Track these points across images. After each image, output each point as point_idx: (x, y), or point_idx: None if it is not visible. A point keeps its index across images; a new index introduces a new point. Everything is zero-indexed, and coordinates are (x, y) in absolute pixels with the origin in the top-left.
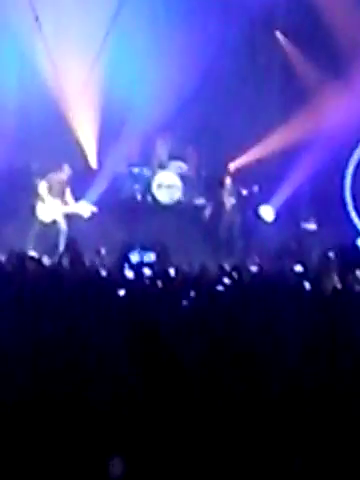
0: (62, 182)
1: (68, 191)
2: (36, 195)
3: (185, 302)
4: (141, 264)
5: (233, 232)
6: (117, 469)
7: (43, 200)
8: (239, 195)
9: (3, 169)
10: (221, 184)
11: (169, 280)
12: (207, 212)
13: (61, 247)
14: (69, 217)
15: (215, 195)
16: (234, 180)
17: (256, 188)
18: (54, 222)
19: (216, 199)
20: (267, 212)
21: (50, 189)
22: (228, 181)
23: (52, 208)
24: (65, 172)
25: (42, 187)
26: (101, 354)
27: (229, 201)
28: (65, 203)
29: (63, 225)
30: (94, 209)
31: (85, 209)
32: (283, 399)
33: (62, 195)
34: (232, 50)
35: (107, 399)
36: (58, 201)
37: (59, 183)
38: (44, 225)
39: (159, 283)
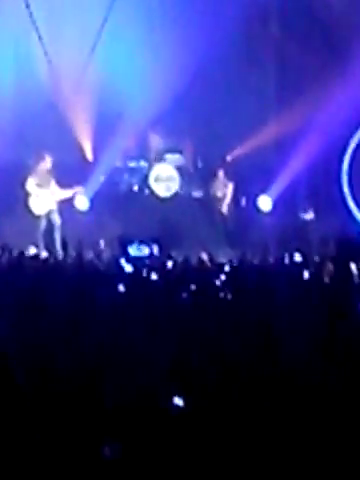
0: (47, 172)
1: (53, 181)
2: (26, 193)
3: (184, 295)
4: (140, 257)
5: (228, 223)
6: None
7: (32, 195)
8: (236, 187)
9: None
10: (214, 175)
11: (167, 273)
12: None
13: (57, 243)
14: (65, 210)
15: (208, 187)
16: (227, 172)
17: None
18: (49, 213)
19: (210, 191)
20: (265, 202)
21: (38, 182)
22: (221, 173)
23: (44, 200)
24: (47, 161)
25: (29, 183)
26: (108, 349)
27: (222, 192)
28: (53, 192)
29: (57, 219)
30: (81, 190)
31: (76, 193)
32: (283, 393)
33: (48, 187)
34: (227, 41)
35: (113, 393)
36: (47, 192)
37: (44, 174)
38: (38, 218)
39: (158, 276)
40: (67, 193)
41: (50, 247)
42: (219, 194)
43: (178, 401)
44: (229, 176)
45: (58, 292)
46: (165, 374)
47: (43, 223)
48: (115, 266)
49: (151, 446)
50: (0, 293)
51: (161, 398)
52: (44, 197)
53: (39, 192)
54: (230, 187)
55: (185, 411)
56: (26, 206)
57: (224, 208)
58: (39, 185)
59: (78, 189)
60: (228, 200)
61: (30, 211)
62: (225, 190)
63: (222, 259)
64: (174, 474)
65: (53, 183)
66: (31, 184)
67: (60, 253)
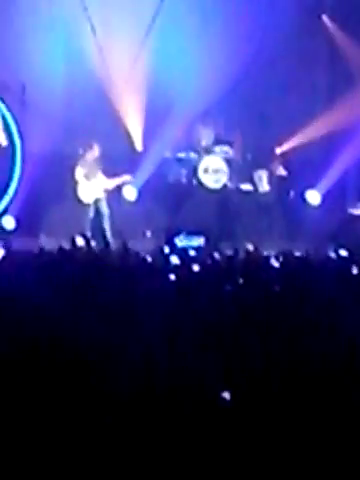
0: (95, 162)
1: (100, 170)
2: (74, 181)
3: (228, 287)
4: (187, 249)
5: (274, 217)
6: None
7: (80, 184)
8: (283, 180)
9: (50, 154)
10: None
11: (214, 265)
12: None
13: (108, 232)
14: (113, 200)
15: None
16: (278, 165)
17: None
18: (96, 202)
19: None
20: (313, 197)
21: (86, 172)
22: (274, 167)
23: (92, 189)
24: (95, 151)
25: (78, 172)
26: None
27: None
28: (101, 181)
29: (105, 208)
30: (129, 178)
31: (125, 180)
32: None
33: (96, 176)
34: (279, 34)
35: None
36: (95, 181)
37: (93, 164)
38: (86, 207)
39: (203, 268)
40: (115, 182)
41: (97, 237)
42: (265, 186)
43: (226, 395)
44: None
45: (107, 285)
46: (213, 369)
47: (91, 212)
48: (161, 257)
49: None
50: (51, 286)
51: (209, 391)
52: (92, 186)
53: (85, 182)
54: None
55: (232, 405)
56: (75, 195)
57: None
58: (87, 174)
59: (126, 178)
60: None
61: (79, 200)
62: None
63: (270, 252)
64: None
65: (100, 173)
66: (79, 173)
67: (111, 242)
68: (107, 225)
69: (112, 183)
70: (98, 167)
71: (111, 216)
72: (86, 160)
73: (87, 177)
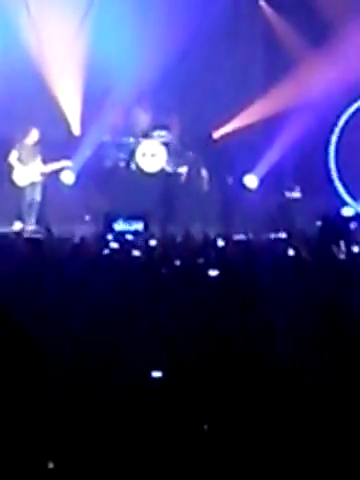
0: (33, 146)
1: (39, 155)
2: (8, 165)
3: (164, 270)
4: (125, 233)
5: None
6: None
7: (15, 168)
8: (222, 165)
9: None
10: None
11: (151, 249)
12: (183, 178)
13: (32, 218)
14: (51, 184)
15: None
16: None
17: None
18: (32, 186)
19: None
20: (251, 181)
21: (22, 155)
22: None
23: (27, 173)
24: (33, 135)
25: (12, 156)
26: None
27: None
28: (39, 166)
29: (38, 194)
30: (68, 164)
31: (64, 165)
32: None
33: (34, 160)
34: (215, 18)
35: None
36: (32, 165)
37: (31, 148)
38: (22, 190)
39: (141, 252)
40: (53, 167)
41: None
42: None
43: (156, 374)
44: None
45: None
46: (148, 349)
47: (27, 196)
48: (101, 242)
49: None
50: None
51: (143, 372)
52: (28, 170)
53: (20, 166)
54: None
55: (166, 385)
56: (10, 179)
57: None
58: (23, 158)
59: (65, 163)
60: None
61: (13, 183)
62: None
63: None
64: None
65: (39, 157)
66: (14, 157)
67: (34, 228)
68: (34, 212)
69: (49, 168)
70: (36, 151)
71: (44, 202)
72: (23, 144)
73: (23, 161)
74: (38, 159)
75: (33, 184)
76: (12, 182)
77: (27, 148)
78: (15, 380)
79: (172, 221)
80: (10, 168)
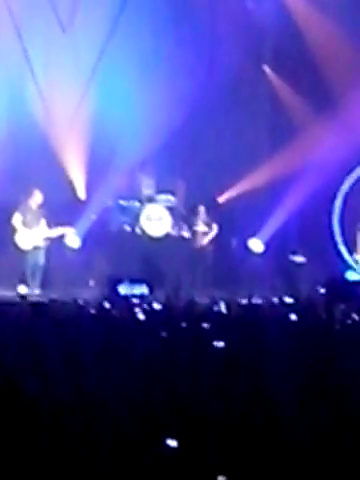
0: (37, 209)
1: (43, 218)
2: (12, 227)
3: (164, 334)
4: (130, 297)
5: (208, 261)
6: None
7: (18, 230)
8: (227, 228)
9: None
10: (194, 211)
11: (155, 313)
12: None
13: (36, 282)
14: (56, 248)
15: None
16: (209, 209)
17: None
18: (35, 249)
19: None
20: (256, 245)
21: (26, 218)
22: (202, 209)
23: (30, 236)
24: (36, 197)
25: (15, 219)
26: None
27: (203, 229)
28: (42, 230)
29: (41, 258)
30: (70, 231)
31: (67, 233)
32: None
33: (38, 224)
34: (220, 83)
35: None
36: (36, 229)
37: (34, 211)
38: (25, 254)
39: (145, 315)
40: (57, 232)
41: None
42: (200, 229)
43: (171, 443)
44: (213, 216)
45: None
46: (154, 417)
47: (30, 259)
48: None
49: None
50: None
51: (153, 440)
52: (31, 233)
53: (23, 229)
54: (214, 227)
55: (178, 453)
56: (14, 242)
57: (205, 241)
58: (27, 221)
59: (69, 230)
60: (211, 236)
61: (17, 246)
62: (207, 228)
63: (205, 300)
64: None
65: (43, 221)
66: (17, 219)
67: (37, 292)
68: (38, 275)
69: (53, 233)
70: (40, 215)
71: (48, 266)
72: (27, 207)
73: (26, 224)
74: (42, 223)
75: (36, 248)
76: (15, 245)
77: (31, 211)
78: (15, 447)
79: (178, 287)
80: (14, 231)
